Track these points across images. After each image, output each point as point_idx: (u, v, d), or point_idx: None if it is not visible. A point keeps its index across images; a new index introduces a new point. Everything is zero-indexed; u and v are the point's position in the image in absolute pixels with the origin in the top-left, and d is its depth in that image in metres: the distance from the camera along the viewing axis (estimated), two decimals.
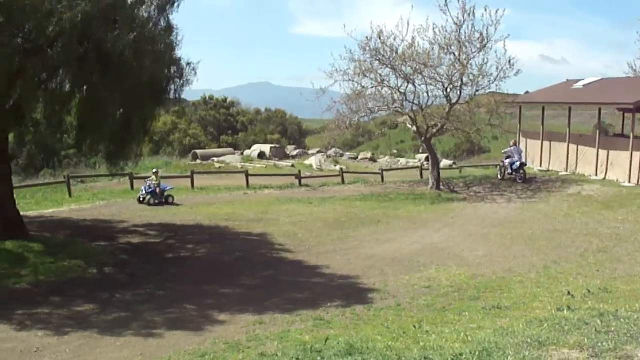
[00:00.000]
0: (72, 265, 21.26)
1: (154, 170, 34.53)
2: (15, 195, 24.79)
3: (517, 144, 42.58)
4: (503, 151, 43.31)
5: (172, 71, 23.25)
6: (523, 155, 42.42)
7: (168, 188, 33.93)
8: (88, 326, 15.75)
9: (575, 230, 26.22)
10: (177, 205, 32.77)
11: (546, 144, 46.22)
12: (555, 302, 14.90)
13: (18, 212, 24.27)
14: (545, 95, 49.99)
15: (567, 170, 42.96)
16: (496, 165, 45.31)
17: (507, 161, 41.52)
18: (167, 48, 22.73)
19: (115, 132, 22.00)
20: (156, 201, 32.65)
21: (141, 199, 32.81)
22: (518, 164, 40.86)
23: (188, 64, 23.66)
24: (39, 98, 21.72)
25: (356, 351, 11.02)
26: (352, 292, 18.59)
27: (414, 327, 13.55)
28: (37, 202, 33.09)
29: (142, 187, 33.42)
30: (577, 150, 42.70)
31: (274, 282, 20.18)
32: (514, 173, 41.04)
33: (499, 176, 42.50)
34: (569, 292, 15.74)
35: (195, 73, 23.75)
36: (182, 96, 25.06)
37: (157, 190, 33.06)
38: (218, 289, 19.42)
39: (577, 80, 48.89)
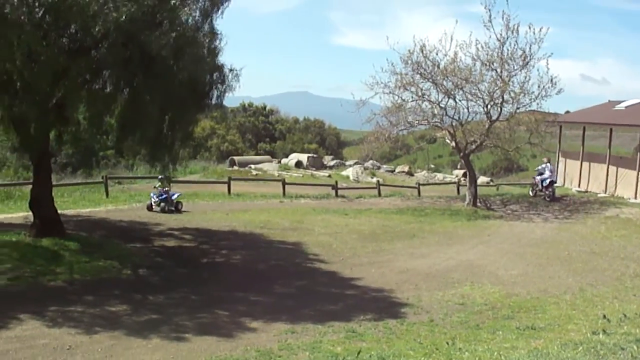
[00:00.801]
0: (107, 265, 21.35)
1: (160, 177, 32.46)
2: (53, 194, 25.01)
3: (550, 161, 42.30)
4: (536, 168, 43.27)
5: (215, 76, 23.29)
6: (554, 173, 42.27)
7: (177, 195, 33.15)
8: (119, 326, 15.77)
9: (612, 253, 25.90)
10: (187, 212, 32.18)
11: (585, 164, 45.87)
12: (591, 325, 14.76)
13: (56, 210, 24.43)
14: (586, 116, 49.64)
15: (605, 192, 42.57)
16: (530, 184, 45.16)
17: (538, 178, 41.74)
18: (210, 53, 22.78)
19: (158, 135, 22.12)
20: (171, 208, 31.93)
21: (152, 206, 31.83)
22: (548, 180, 41.01)
23: (231, 70, 23.69)
24: (82, 98, 21.86)
25: None
26: (385, 306, 18.48)
27: (447, 343, 13.48)
28: (75, 201, 33.34)
29: (152, 194, 32.39)
30: (617, 172, 42.24)
31: (307, 292, 20.12)
32: (543, 190, 41.17)
33: (531, 193, 42.66)
34: (604, 316, 15.59)
35: (238, 79, 23.78)
36: (223, 102, 25.12)
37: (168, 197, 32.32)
38: (251, 296, 19.38)
39: (619, 102, 48.54)
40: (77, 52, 19.95)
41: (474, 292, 19.96)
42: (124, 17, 19.04)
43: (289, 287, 20.71)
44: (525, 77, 36.99)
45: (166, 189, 32.17)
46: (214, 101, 23.76)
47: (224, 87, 23.54)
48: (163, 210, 31.43)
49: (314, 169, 58.55)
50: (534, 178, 43.18)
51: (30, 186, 24.83)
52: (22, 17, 18.47)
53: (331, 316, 17.18)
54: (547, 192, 40.89)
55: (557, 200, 40.55)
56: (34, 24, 18.94)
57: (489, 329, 15.30)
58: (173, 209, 31.90)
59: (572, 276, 22.15)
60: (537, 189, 41.95)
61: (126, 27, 19.22)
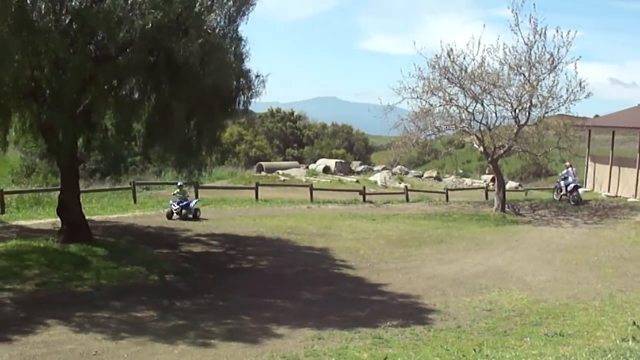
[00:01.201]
0: (134, 271, 21.44)
1: (179, 184, 32.28)
2: (81, 200, 25.15)
3: (572, 166, 42.26)
4: (560, 174, 43.43)
5: (241, 82, 23.35)
6: (577, 177, 42.35)
7: (195, 202, 32.71)
8: (146, 332, 15.82)
9: None
10: (205, 219, 31.42)
11: (615, 169, 45.52)
12: (620, 332, 14.60)
13: (83, 216, 24.58)
14: (616, 119, 49.24)
15: (635, 197, 42.20)
16: (553, 188, 45.05)
17: (562, 182, 42.18)
18: (235, 58, 22.85)
19: (185, 141, 22.19)
20: (189, 215, 31.22)
21: (173, 214, 31.11)
22: (572, 185, 41.38)
23: (257, 76, 23.72)
24: (108, 105, 22.00)
25: None
26: (412, 312, 18.38)
27: (474, 350, 13.39)
28: (102, 207, 33.48)
29: (171, 202, 31.65)
30: None
31: (334, 298, 20.07)
32: (568, 194, 41.50)
33: (555, 197, 43.05)
34: (634, 323, 15.38)
35: (264, 85, 23.81)
36: (250, 108, 25.14)
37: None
38: (278, 302, 19.36)
39: None
40: (104, 58, 20.13)
41: (502, 298, 19.82)
42: (150, 24, 19.16)
43: (315, 293, 20.69)
44: (554, 81, 36.82)
45: (187, 195, 32.08)
46: (240, 107, 23.84)
47: (250, 92, 23.62)
48: (184, 218, 30.97)
49: (342, 174, 58.50)
50: (558, 182, 43.60)
51: (59, 192, 24.94)
52: (49, 25, 18.62)
53: (358, 322, 17.12)
54: (571, 196, 41.19)
55: (582, 204, 40.72)
56: (61, 31, 19.12)
57: (516, 336, 15.19)
58: (191, 216, 31.26)
59: (602, 282, 21.93)
60: (561, 193, 42.31)
61: (152, 34, 19.38)
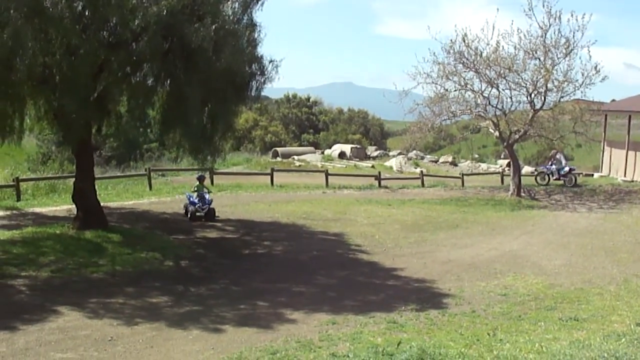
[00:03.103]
0: (149, 257, 21.54)
1: (200, 176, 29.41)
2: (96, 187, 25.24)
3: (561, 151, 43.77)
4: (553, 159, 43.98)
5: (254, 68, 23.34)
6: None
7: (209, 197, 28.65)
8: (160, 318, 15.91)
9: None
10: (219, 219, 28.30)
11: (631, 153, 45.26)
12: (635, 316, 14.56)
13: (99, 202, 24.68)
14: (632, 104, 48.93)
15: None
16: (537, 173, 45.23)
17: (553, 167, 43.12)
18: (249, 44, 22.86)
19: (199, 127, 22.20)
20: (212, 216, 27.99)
21: (196, 214, 27.67)
22: (567, 169, 42.97)
23: (270, 61, 23.71)
24: (122, 91, 22.02)
25: (428, 356, 10.94)
26: (426, 297, 18.39)
27: (488, 334, 13.39)
28: (118, 194, 33.57)
29: (191, 197, 28.13)
30: None
31: (349, 283, 20.11)
32: (561, 178, 42.83)
33: (539, 181, 43.93)
34: None
35: (277, 71, 23.81)
36: (264, 93, 25.11)
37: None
38: (292, 287, 19.44)
39: None
40: (117, 45, 20.10)
41: (517, 283, 19.80)
42: (164, 10, 19.18)
43: (330, 278, 20.73)
44: (569, 66, 36.69)
45: (210, 192, 29.04)
46: (253, 92, 23.84)
47: (263, 78, 23.64)
48: (211, 218, 27.73)
49: (357, 159, 58.36)
50: (545, 167, 44.43)
51: (74, 179, 25.03)
52: (62, 12, 18.61)
53: (372, 307, 17.17)
54: (567, 179, 42.75)
55: (578, 186, 42.19)
56: (74, 18, 19.10)
57: (531, 320, 15.16)
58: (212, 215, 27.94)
59: (617, 267, 21.86)
60: (554, 177, 43.41)
61: (166, 21, 19.40)
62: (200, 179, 28.95)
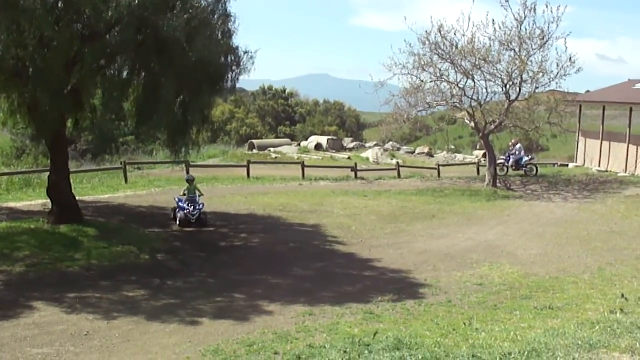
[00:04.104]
0: (125, 251, 21.43)
1: (189, 177, 27.33)
2: (72, 180, 25.12)
3: (519, 142, 44.82)
4: (512, 150, 44.46)
5: (230, 59, 23.29)
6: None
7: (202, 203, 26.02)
8: (137, 312, 15.85)
9: (632, 232, 25.60)
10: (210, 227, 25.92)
11: (605, 144, 45.61)
12: (609, 304, 14.65)
13: (74, 196, 24.56)
14: (606, 95, 49.30)
15: (626, 172, 42.30)
16: (523, 164, 45.38)
17: (512, 158, 43.69)
18: (224, 35, 22.82)
19: (174, 120, 22.14)
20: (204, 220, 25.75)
21: (185, 220, 25.23)
22: (528, 158, 43.86)
23: (246, 52, 23.64)
24: (97, 84, 21.92)
25: (405, 346, 10.97)
26: (403, 287, 18.41)
27: (464, 324, 13.45)
28: (94, 188, 33.42)
29: (181, 202, 25.67)
30: (637, 152, 41.93)
31: (325, 274, 20.11)
32: (522, 168, 43.37)
33: (500, 172, 42.97)
34: (622, 295, 15.47)
35: (253, 62, 23.77)
36: (240, 85, 25.05)
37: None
38: (269, 279, 19.40)
39: (639, 80, 48.14)
40: (91, 37, 20.04)
41: (493, 273, 19.86)
42: (136, 1, 19.11)
43: (307, 270, 20.72)
44: (544, 57, 36.91)
45: (201, 194, 26.22)
46: (229, 84, 23.78)
47: (238, 69, 23.56)
48: (203, 224, 25.50)
49: (334, 151, 58.42)
50: (505, 159, 44.52)
51: (49, 173, 24.92)
52: (34, 3, 18.49)
53: (349, 298, 17.19)
54: (527, 169, 43.31)
55: (541, 176, 43.17)
56: (46, 9, 18.95)
57: (506, 309, 15.24)
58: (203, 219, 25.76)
59: (592, 256, 21.97)
60: (513, 169, 43.86)
61: (139, 12, 19.31)
62: (190, 180, 26.42)
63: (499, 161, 43.58)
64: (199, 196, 25.88)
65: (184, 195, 25.75)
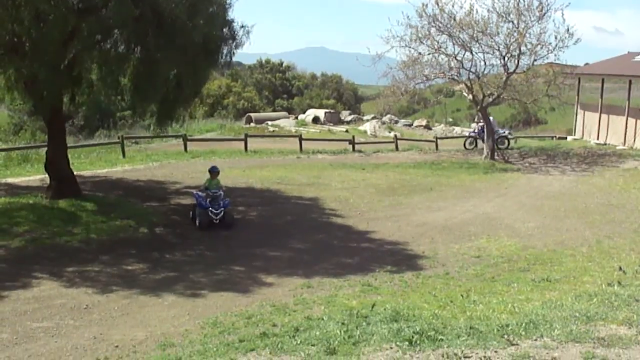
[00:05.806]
0: (123, 225, 21.48)
1: (212, 168, 23.26)
2: (69, 155, 25.14)
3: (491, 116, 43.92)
4: (478, 124, 44.41)
5: (225, 32, 23.23)
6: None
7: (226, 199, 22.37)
8: (136, 285, 15.97)
9: (630, 205, 25.61)
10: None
11: (604, 117, 45.43)
12: (606, 277, 14.67)
13: (72, 171, 24.54)
14: (605, 67, 49.07)
15: (624, 145, 42.16)
16: (467, 137, 45.26)
17: (484, 132, 42.11)
18: (219, 9, 22.72)
19: (167, 93, 22.10)
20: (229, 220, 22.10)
21: (207, 221, 21.51)
22: (504, 132, 43.90)
23: (242, 26, 23.64)
24: (93, 58, 21.86)
25: (402, 318, 11.01)
26: (401, 259, 18.52)
27: (462, 296, 13.48)
28: (91, 162, 33.41)
29: (197, 196, 22.05)
30: (636, 125, 41.78)
31: (323, 247, 20.20)
32: (499, 140, 42.44)
33: (468, 146, 43.61)
34: (620, 268, 15.50)
35: (249, 35, 23.75)
36: (236, 59, 25.02)
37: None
38: (267, 252, 19.49)
39: (639, 53, 47.99)
40: (87, 11, 19.94)
41: (490, 245, 19.91)
42: None
43: (305, 242, 20.80)
44: (542, 29, 36.81)
45: (223, 188, 22.62)
46: (224, 58, 23.72)
47: (234, 43, 23.52)
48: (228, 226, 21.84)
49: (332, 124, 58.35)
50: (474, 132, 44.59)
51: (46, 149, 24.89)
52: None
53: (347, 270, 17.31)
54: (499, 142, 41.98)
55: (512, 149, 43.03)
56: None
57: (504, 282, 15.26)
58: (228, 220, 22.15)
59: (589, 228, 21.98)
60: (479, 139, 42.93)
61: None
62: (213, 172, 22.75)
63: (469, 134, 43.56)
64: (222, 190, 22.28)
65: (205, 189, 22.14)
